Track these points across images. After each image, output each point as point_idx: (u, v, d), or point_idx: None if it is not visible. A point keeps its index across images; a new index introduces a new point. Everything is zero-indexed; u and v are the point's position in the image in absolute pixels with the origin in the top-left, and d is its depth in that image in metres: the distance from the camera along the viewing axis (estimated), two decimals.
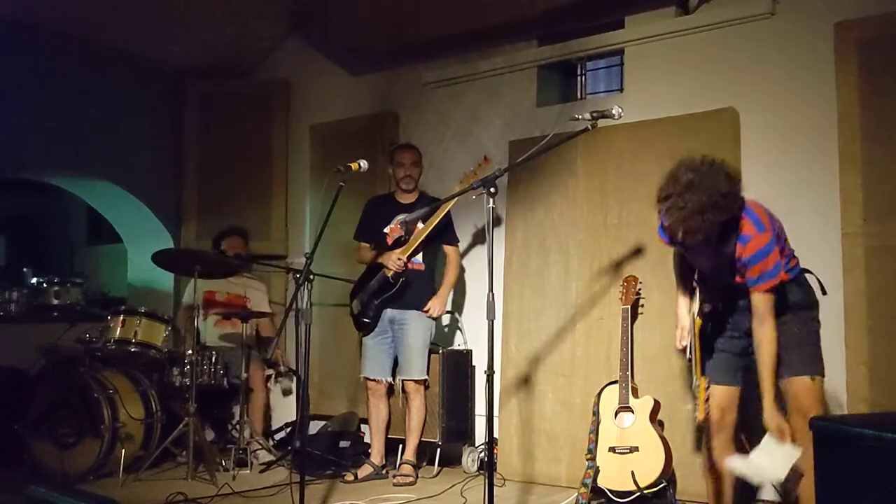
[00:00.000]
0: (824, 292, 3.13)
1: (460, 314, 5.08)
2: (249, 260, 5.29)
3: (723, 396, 3.13)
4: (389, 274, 4.40)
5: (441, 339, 4.96)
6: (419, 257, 4.52)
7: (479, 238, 5.01)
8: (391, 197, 4.73)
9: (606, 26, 4.73)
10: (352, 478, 4.42)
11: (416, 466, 4.53)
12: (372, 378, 4.52)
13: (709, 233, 2.75)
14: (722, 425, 3.12)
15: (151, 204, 6.02)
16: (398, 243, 4.47)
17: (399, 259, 4.36)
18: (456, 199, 4.11)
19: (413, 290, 4.46)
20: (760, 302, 2.91)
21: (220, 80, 6.04)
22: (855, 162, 3.77)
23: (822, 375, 3.02)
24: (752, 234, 2.85)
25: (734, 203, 2.80)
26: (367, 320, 4.53)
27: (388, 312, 4.49)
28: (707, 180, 2.72)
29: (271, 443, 5.25)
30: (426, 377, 4.53)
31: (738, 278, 2.96)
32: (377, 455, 4.55)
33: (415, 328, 4.47)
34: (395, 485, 4.34)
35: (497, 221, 4.79)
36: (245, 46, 5.97)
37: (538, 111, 4.95)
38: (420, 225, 4.42)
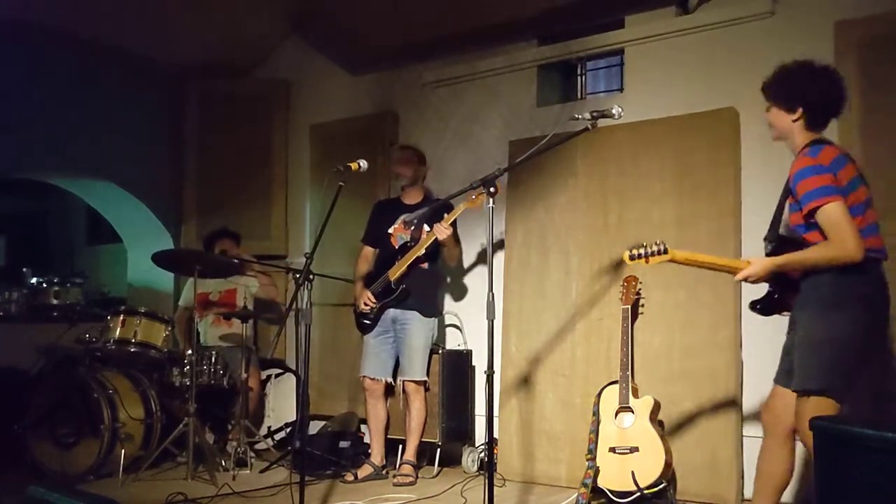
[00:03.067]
0: None
1: (460, 314, 5.08)
2: (247, 260, 5.28)
3: (776, 401, 2.84)
4: (392, 279, 4.42)
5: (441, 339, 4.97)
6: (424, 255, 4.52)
7: (479, 238, 5.00)
8: (397, 199, 4.76)
9: (606, 26, 4.73)
10: (352, 478, 4.42)
11: (417, 466, 4.53)
12: (370, 377, 4.52)
13: (780, 87, 2.81)
14: (773, 432, 2.85)
15: (151, 204, 6.02)
16: (404, 249, 4.47)
17: (366, 304, 4.49)
18: (461, 210, 4.23)
19: (417, 291, 4.46)
20: (820, 220, 2.61)
21: (220, 80, 6.03)
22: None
23: (835, 391, 2.64)
24: (801, 157, 2.77)
25: (821, 78, 2.80)
26: (367, 322, 4.54)
27: (391, 312, 4.50)
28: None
29: (272, 442, 5.25)
30: (427, 378, 4.53)
31: (792, 216, 2.76)
32: (377, 455, 4.55)
33: (416, 329, 4.47)
34: (395, 485, 4.34)
35: (497, 222, 4.78)
36: (245, 46, 5.96)
37: (538, 111, 4.95)
38: (426, 228, 4.42)
